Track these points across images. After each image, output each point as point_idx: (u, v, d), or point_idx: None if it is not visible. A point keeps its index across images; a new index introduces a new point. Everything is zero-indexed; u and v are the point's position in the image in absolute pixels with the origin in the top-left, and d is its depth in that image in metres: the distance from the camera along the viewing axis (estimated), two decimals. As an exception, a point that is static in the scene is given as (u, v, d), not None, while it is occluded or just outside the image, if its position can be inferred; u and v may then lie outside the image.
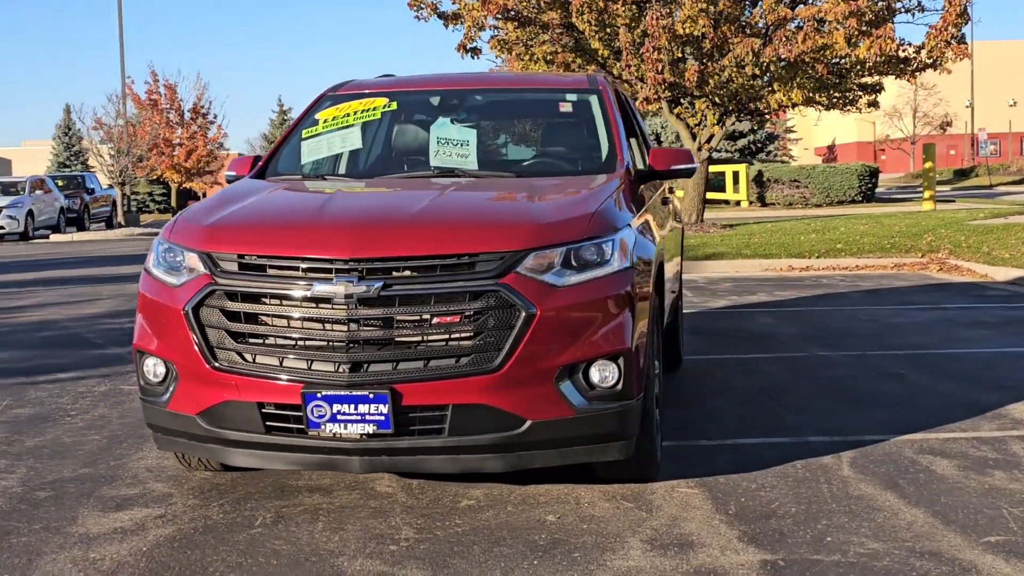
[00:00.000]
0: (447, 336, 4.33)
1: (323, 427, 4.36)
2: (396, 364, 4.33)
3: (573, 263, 4.49)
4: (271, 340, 4.42)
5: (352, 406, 4.31)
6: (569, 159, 5.85)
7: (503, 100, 6.46)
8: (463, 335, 4.32)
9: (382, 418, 4.31)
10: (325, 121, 6.09)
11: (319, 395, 4.32)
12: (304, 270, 4.40)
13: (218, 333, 4.48)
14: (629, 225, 4.82)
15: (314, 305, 4.35)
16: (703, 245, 18.52)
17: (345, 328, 4.33)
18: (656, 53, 17.60)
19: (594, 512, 4.61)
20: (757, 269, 16.59)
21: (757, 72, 18.21)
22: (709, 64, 18.42)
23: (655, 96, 18.19)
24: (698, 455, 5.55)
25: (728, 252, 17.51)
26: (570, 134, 6.08)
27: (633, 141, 6.62)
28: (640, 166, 5.98)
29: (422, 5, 20.17)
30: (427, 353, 4.32)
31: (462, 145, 5.94)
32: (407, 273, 4.34)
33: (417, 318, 4.33)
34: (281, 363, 4.41)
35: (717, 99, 19.35)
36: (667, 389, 7.31)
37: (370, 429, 4.33)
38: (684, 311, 11.23)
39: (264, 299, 4.42)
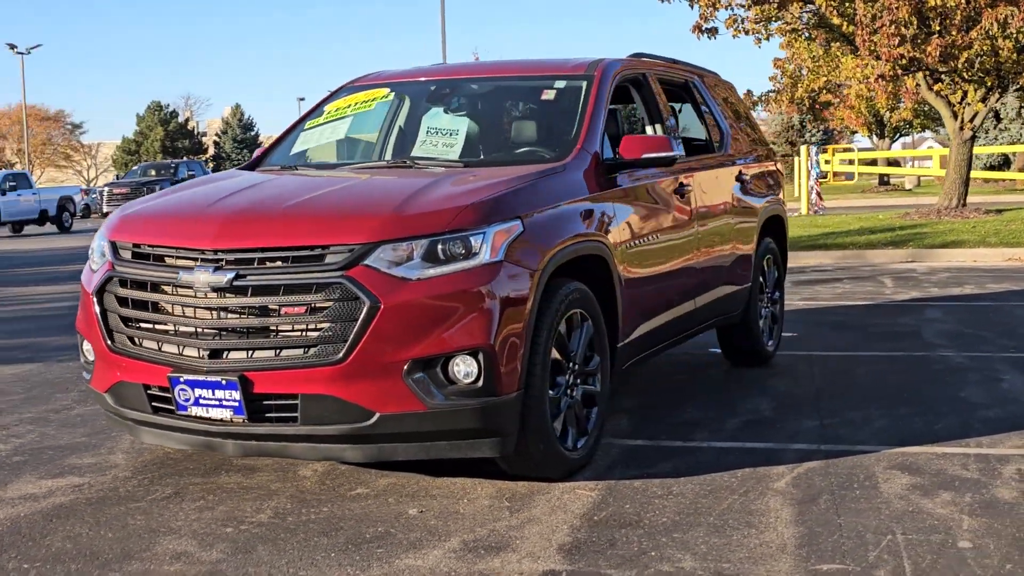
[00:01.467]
0: (297, 327, 4.40)
1: (189, 410, 4.56)
2: (251, 352, 4.46)
3: (440, 255, 4.44)
4: (152, 325, 4.67)
5: (211, 391, 4.48)
6: (533, 148, 5.72)
7: (499, 88, 6.38)
8: (311, 326, 4.38)
9: (236, 404, 4.45)
10: (329, 113, 6.27)
11: (182, 379, 4.53)
12: (176, 259, 4.61)
13: (115, 317, 4.78)
14: (523, 217, 4.67)
15: (182, 293, 4.55)
16: (948, 232, 17.33)
17: (206, 316, 4.50)
18: (893, 27, 16.49)
19: (461, 509, 4.55)
20: (999, 259, 15.39)
21: (1010, 45, 16.66)
22: (959, 36, 17.05)
23: (891, 74, 17.05)
24: (652, 456, 5.32)
25: (971, 240, 16.35)
26: (548, 122, 5.93)
27: (654, 129, 6.37)
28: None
29: (664, -15, 19.90)
30: (279, 343, 4.42)
31: (451, 135, 5.95)
32: (260, 264, 4.45)
33: (269, 308, 4.43)
34: (160, 347, 4.65)
35: (967, 75, 17.87)
36: (720, 383, 7.05)
37: (227, 414, 4.49)
38: (862, 303, 10.73)
39: (147, 286, 4.67)
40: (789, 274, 14.14)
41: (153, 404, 4.71)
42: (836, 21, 17.93)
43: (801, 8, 18.58)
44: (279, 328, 4.42)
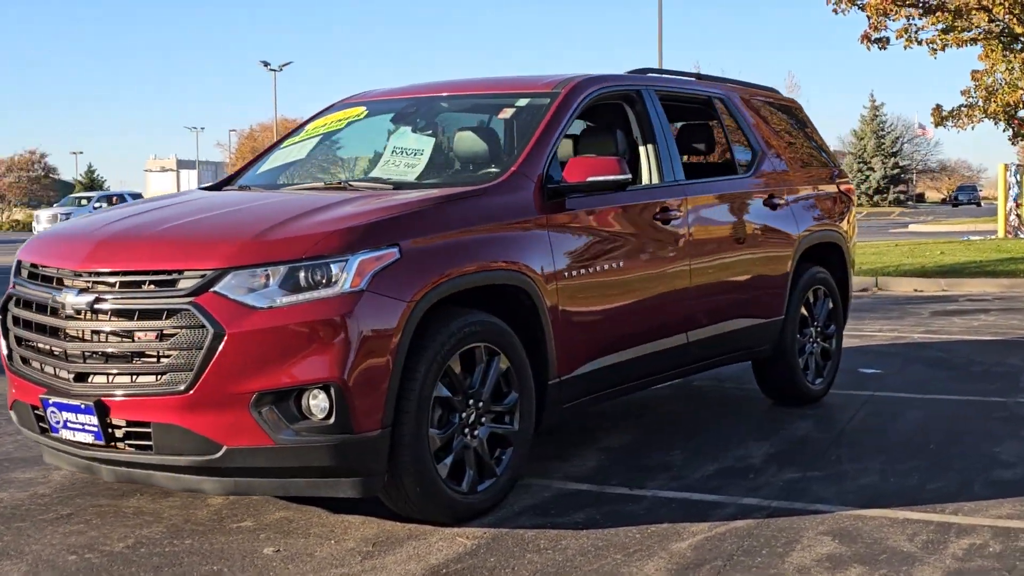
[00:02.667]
0: (150, 353, 4.27)
1: (60, 432, 4.50)
2: (111, 377, 4.36)
3: (301, 283, 4.22)
4: (37, 346, 4.64)
5: (75, 415, 4.41)
6: (480, 169, 5.41)
7: (467, 106, 6.08)
8: (162, 353, 4.24)
9: (95, 429, 4.36)
10: (307, 132, 6.15)
11: (51, 401, 4.48)
12: (53, 280, 4.57)
13: (11, 336, 4.79)
14: (404, 243, 4.38)
15: (57, 315, 4.50)
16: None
17: (73, 338, 4.43)
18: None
19: (320, 551, 4.30)
20: None
21: None
22: None
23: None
24: (579, 503, 4.92)
25: None
26: (501, 142, 5.59)
27: (646, 150, 5.95)
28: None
29: (840, -4, 18.93)
30: (135, 369, 4.30)
31: (415, 155, 5.73)
32: (121, 287, 4.35)
33: (126, 333, 4.32)
34: (41, 368, 4.61)
35: None
36: (735, 423, 6.51)
37: (90, 439, 4.41)
38: (990, 338, 10.02)
39: (32, 306, 4.65)
40: (933, 303, 13.20)
41: (40, 424, 4.68)
42: (1019, 30, 16.55)
43: (984, 17, 17.25)
44: (135, 354, 4.30)
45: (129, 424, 4.33)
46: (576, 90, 5.60)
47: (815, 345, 7.21)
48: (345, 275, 4.23)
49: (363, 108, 6.11)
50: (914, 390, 7.61)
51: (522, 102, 5.71)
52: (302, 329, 4.17)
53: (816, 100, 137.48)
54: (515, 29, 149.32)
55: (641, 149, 6.02)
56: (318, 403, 4.21)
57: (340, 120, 6.07)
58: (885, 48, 18.26)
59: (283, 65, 65.61)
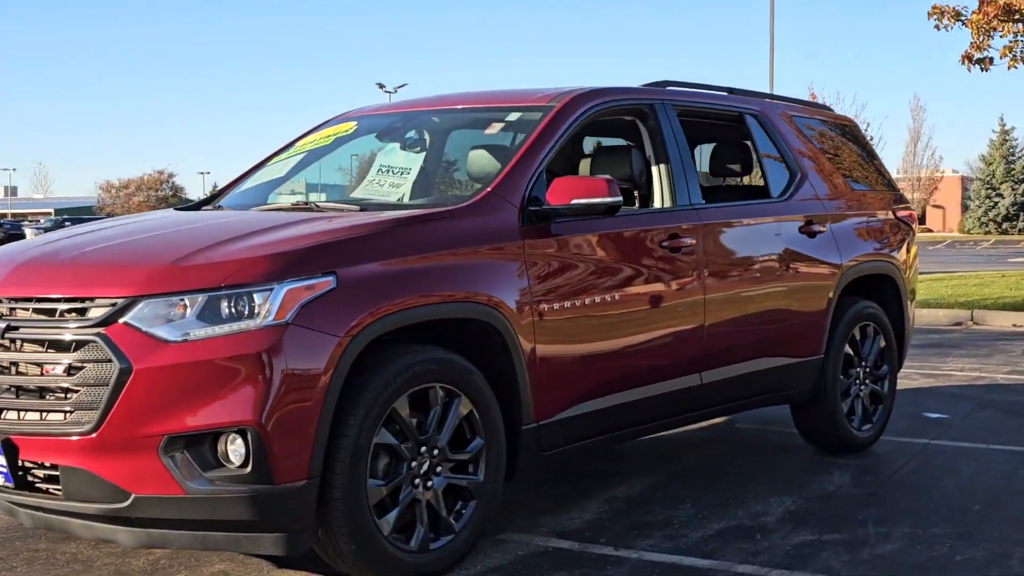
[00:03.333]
0: (59, 388, 3.89)
1: (-24, 472, 4.14)
2: (22, 413, 3.98)
3: (221, 314, 3.79)
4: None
5: (-14, 454, 4.05)
6: (461, 189, 4.95)
7: (458, 122, 5.60)
8: (70, 388, 3.85)
9: (5, 470, 3.99)
10: (295, 149, 5.76)
11: None
12: None
13: None
14: (343, 271, 3.93)
15: None
16: None
17: None
18: None
19: (238, 613, 3.86)
20: None
21: None
22: None
23: None
24: (550, 564, 4.39)
25: None
26: (487, 161, 5.10)
27: (658, 170, 5.41)
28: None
29: (943, 12, 17.98)
30: (45, 405, 3.92)
31: (401, 174, 5.30)
32: (34, 314, 3.98)
33: (37, 365, 3.94)
34: None
35: None
36: (763, 474, 5.88)
37: (1, 480, 4.04)
38: None
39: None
40: (1026, 340, 12.24)
41: (-35, 462, 4.33)
42: None
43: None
44: (45, 388, 3.92)
45: (38, 466, 3.95)
46: (572, 105, 5.09)
47: (862, 387, 6.54)
48: (269, 306, 3.79)
49: (353, 124, 5.69)
50: (977, 439, 6.87)
51: (513, 117, 5.22)
52: (218, 366, 3.74)
53: (942, 123, 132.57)
54: (623, 59, 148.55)
55: (653, 169, 5.48)
56: (236, 449, 3.77)
57: (328, 137, 5.66)
58: (988, 69, 17.22)
59: (398, 87, 66.12)
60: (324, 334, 3.85)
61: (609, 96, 5.30)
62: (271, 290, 3.80)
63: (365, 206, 4.85)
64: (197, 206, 5.58)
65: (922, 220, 75.93)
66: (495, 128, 5.20)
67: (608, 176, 4.77)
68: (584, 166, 5.98)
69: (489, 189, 4.63)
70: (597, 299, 4.79)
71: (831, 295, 6.19)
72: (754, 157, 6.17)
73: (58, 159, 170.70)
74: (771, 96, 6.61)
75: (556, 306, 4.61)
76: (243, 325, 3.77)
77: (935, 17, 18.12)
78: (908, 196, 70.53)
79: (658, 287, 5.11)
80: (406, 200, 5.13)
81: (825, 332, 6.18)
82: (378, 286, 4.04)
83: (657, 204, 5.45)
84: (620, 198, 4.70)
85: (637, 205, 5.87)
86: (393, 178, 5.23)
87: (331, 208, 4.81)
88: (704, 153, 6.41)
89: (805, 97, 52.88)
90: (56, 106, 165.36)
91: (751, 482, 5.78)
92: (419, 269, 4.19)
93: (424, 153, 5.46)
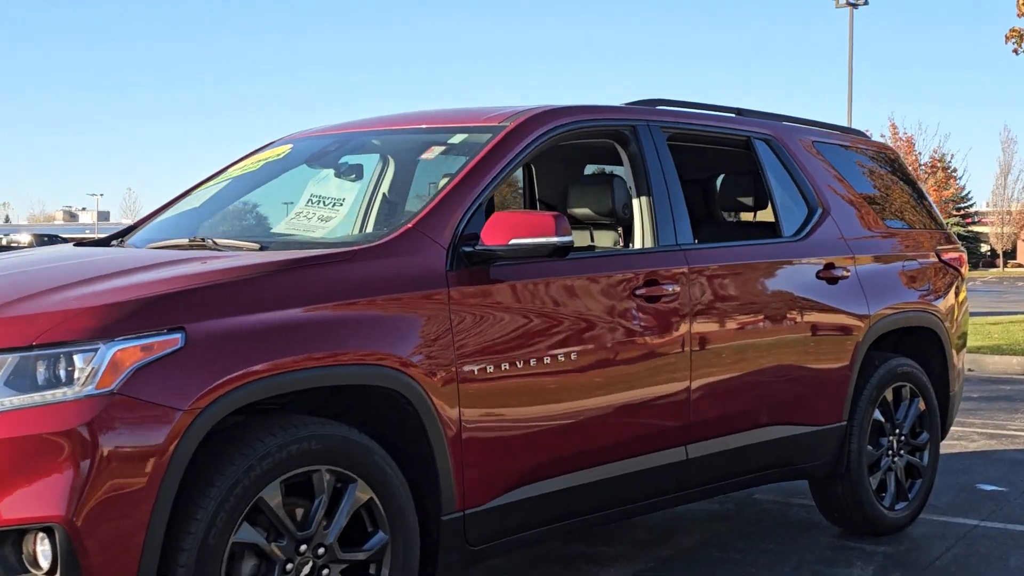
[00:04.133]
0: None
1: None
2: None
3: (37, 378, 3.03)
4: None
5: None
6: (383, 223, 4.18)
7: (401, 146, 4.79)
8: None
9: None
10: (225, 175, 5.02)
11: None
12: None
13: None
14: (193, 327, 3.14)
15: None
16: None
17: None
18: None
19: None
20: None
21: None
22: None
23: None
24: None
25: None
26: (422, 190, 4.31)
27: (639, 203, 4.58)
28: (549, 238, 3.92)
29: (1021, 36, 16.82)
30: None
31: (333, 205, 4.52)
32: None
33: None
34: None
35: None
36: (787, 563, 4.94)
37: None
38: None
39: None
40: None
41: None
42: None
43: None
44: None
45: None
46: (526, 126, 4.27)
47: (896, 459, 5.59)
48: (92, 370, 3.01)
49: (288, 147, 4.92)
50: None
51: (456, 139, 4.41)
52: (25, 445, 2.97)
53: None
54: (705, 83, 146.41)
55: (634, 203, 4.63)
56: (44, 550, 3.00)
57: (259, 162, 4.90)
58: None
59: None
60: (163, 406, 3.06)
61: (578, 116, 4.48)
62: (95, 350, 3.03)
63: (276, 243, 4.07)
64: (105, 240, 4.85)
65: (1012, 255, 73.49)
66: (433, 152, 4.40)
67: (556, 212, 3.93)
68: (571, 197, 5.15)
69: (409, 225, 3.83)
70: (546, 358, 3.95)
71: (856, 351, 5.26)
72: (765, 189, 5.28)
73: (146, 184, 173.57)
74: (790, 119, 5.72)
75: (490, 368, 3.78)
76: (58, 394, 3.00)
77: (1013, 41, 17.00)
78: (998, 230, 69.10)
79: (628, 343, 4.25)
80: (336, 236, 4.34)
81: (848, 395, 5.25)
82: (243, 345, 3.24)
83: (637, 243, 4.60)
84: (570, 238, 3.86)
85: (621, 244, 5.03)
86: (323, 210, 4.45)
87: (229, 246, 4.04)
88: (705, 186, 5.54)
89: (885, 130, 51.26)
90: (144, 134, 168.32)
91: (753, 569, 4.87)
92: (302, 323, 3.39)
93: (360, 182, 4.67)
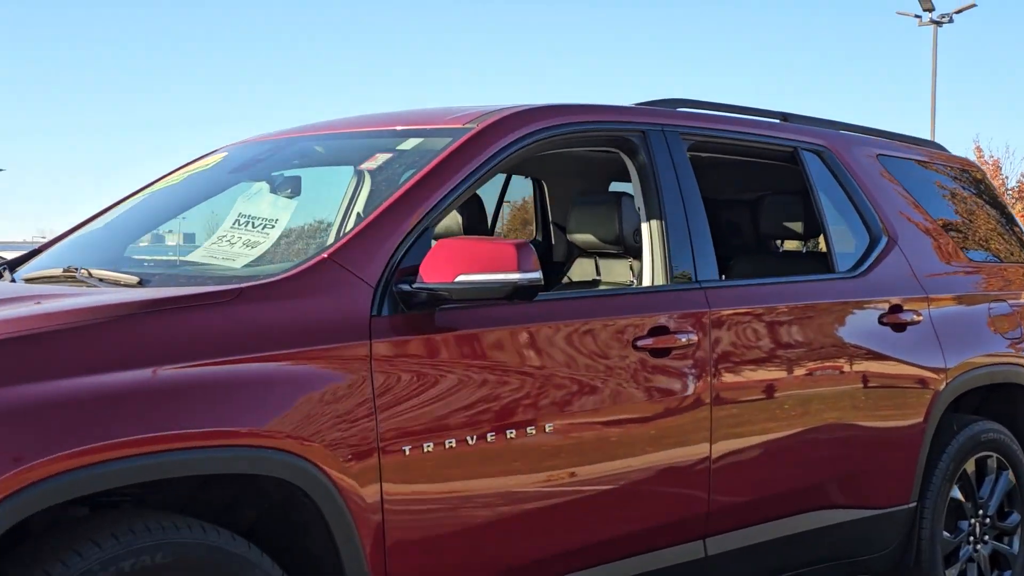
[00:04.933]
0: None
1: None
2: None
3: None
4: None
5: None
6: (276, 249, 3.26)
7: (347, 152, 3.85)
8: None
9: None
10: (146, 189, 4.14)
11: None
12: None
13: None
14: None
15: None
16: None
17: None
18: None
19: None
20: None
21: None
22: None
23: None
24: None
25: None
26: (361, 208, 3.39)
27: (648, 228, 3.62)
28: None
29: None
30: None
31: (264, 227, 3.60)
32: None
33: None
34: None
35: None
36: None
37: None
38: None
39: None
40: None
41: None
42: None
43: None
44: None
45: None
46: (499, 128, 3.32)
47: (978, 547, 4.52)
48: None
49: (222, 156, 4.03)
50: None
51: (408, 144, 3.47)
52: None
53: None
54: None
55: (643, 228, 3.67)
56: None
57: (184, 175, 4.02)
58: None
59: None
60: None
61: (567, 117, 3.52)
62: None
63: (160, 277, 3.17)
64: (12, 264, 3.99)
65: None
66: (377, 161, 3.46)
67: (520, 241, 2.97)
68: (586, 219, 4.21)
69: (323, 255, 2.91)
70: (509, 433, 2.99)
71: (929, 414, 4.23)
72: (816, 213, 4.27)
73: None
74: (850, 127, 4.70)
75: (429, 449, 2.84)
76: None
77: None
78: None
79: (625, 411, 3.29)
80: (260, 268, 3.42)
81: (919, 469, 4.22)
82: (53, 423, 2.34)
83: (646, 279, 3.63)
84: (537, 274, 2.91)
85: (632, 280, 4.07)
86: (251, 233, 3.53)
87: (105, 279, 3.14)
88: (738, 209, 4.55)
89: (970, 152, 49.40)
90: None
91: None
92: (150, 389, 2.47)
93: (298, 198, 3.76)
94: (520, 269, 2.86)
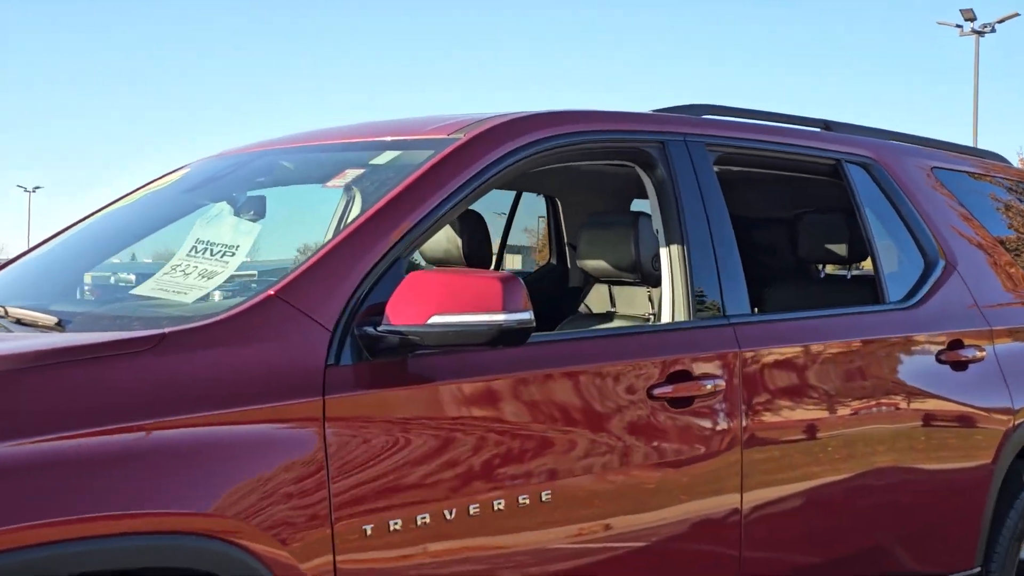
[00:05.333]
0: None
1: None
2: None
3: None
4: None
5: None
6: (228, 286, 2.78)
7: (317, 169, 3.36)
8: None
9: None
10: (104, 210, 3.68)
11: None
12: None
13: None
14: None
15: None
16: None
17: None
18: None
19: None
20: None
21: None
22: None
23: None
24: None
25: None
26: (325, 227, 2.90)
27: (670, 255, 3.12)
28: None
29: None
30: None
31: (223, 255, 3.12)
32: None
33: None
34: None
35: None
36: None
37: None
38: None
39: None
40: None
41: None
42: None
43: None
44: None
45: None
46: (489, 139, 2.82)
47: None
48: None
49: (182, 173, 3.55)
50: None
51: (384, 158, 2.98)
52: None
53: None
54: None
55: (662, 253, 3.15)
56: None
57: (142, 195, 3.54)
58: None
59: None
60: None
61: (571, 126, 3.01)
62: None
63: (83, 317, 2.70)
64: None
65: None
66: (345, 178, 2.96)
67: (506, 273, 2.47)
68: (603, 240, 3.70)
69: (270, 292, 2.42)
70: (496, 505, 2.49)
71: (995, 464, 3.68)
72: (862, 234, 3.73)
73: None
74: (900, 136, 4.17)
75: (395, 527, 2.34)
76: None
77: None
78: None
79: (638, 471, 2.78)
80: (211, 304, 2.93)
81: (983, 527, 3.67)
82: None
83: (666, 313, 3.11)
84: (527, 314, 2.40)
85: (651, 313, 3.56)
86: (209, 262, 3.05)
87: (24, 318, 2.66)
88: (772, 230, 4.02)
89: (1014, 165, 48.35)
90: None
91: None
92: (26, 467, 1.99)
93: (263, 221, 3.27)
94: (506, 308, 2.36)
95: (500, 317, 2.35)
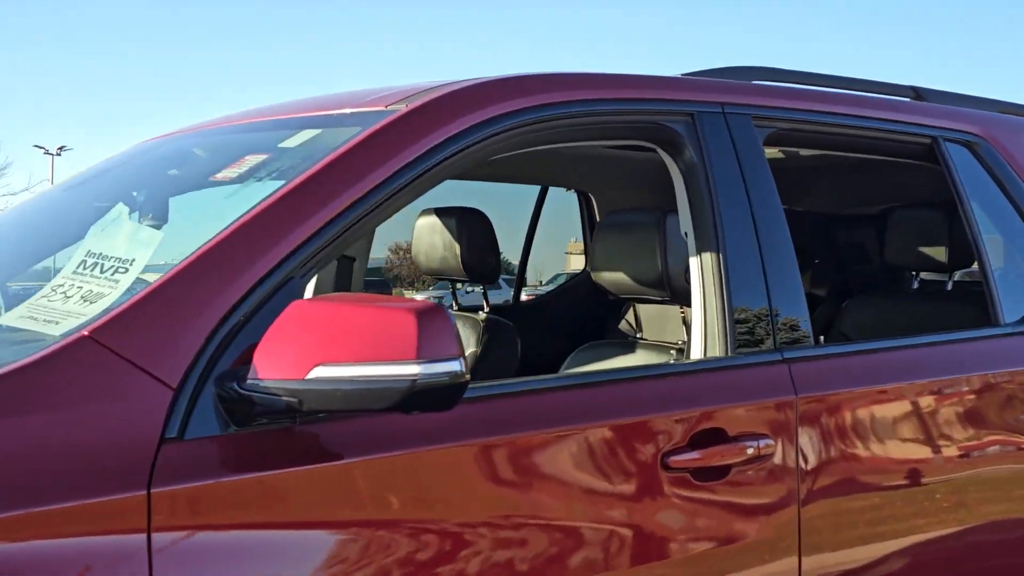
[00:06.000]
0: None
1: None
2: None
3: None
4: None
5: None
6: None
7: (224, 155, 2.59)
8: None
9: None
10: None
11: None
12: None
13: None
14: None
15: None
16: None
17: None
18: None
19: None
20: None
21: None
22: None
23: None
24: None
25: None
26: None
27: (700, 265, 2.31)
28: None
29: None
30: None
31: (114, 272, 2.39)
32: None
33: None
34: None
35: None
36: None
37: None
38: None
39: None
40: None
41: None
42: None
43: None
44: None
45: None
46: (434, 111, 2.04)
47: None
48: None
49: (98, 164, 2.84)
50: None
51: (297, 140, 2.21)
52: None
53: None
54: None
55: (692, 263, 2.34)
56: None
57: (52, 191, 2.85)
58: None
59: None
60: None
61: (555, 94, 2.20)
62: None
63: None
64: None
65: None
66: (243, 166, 2.20)
67: (427, 301, 1.67)
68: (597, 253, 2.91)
69: (84, 333, 1.69)
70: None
71: None
72: (967, 236, 2.85)
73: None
74: (1016, 108, 3.27)
75: None
76: None
77: None
78: None
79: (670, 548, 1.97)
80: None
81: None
82: None
83: (695, 342, 2.29)
84: (454, 364, 1.60)
85: (683, 343, 2.75)
86: (96, 281, 2.33)
87: None
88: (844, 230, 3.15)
89: None
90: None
91: None
92: None
93: (166, 227, 2.53)
94: (421, 355, 1.57)
95: (412, 369, 1.56)
